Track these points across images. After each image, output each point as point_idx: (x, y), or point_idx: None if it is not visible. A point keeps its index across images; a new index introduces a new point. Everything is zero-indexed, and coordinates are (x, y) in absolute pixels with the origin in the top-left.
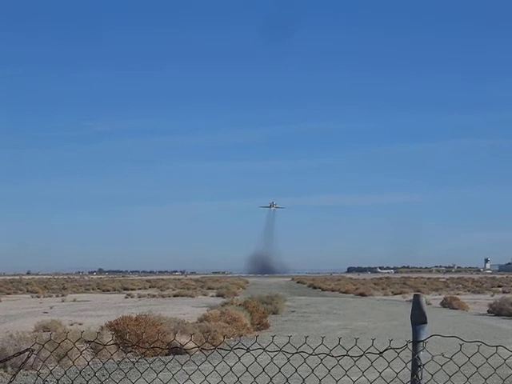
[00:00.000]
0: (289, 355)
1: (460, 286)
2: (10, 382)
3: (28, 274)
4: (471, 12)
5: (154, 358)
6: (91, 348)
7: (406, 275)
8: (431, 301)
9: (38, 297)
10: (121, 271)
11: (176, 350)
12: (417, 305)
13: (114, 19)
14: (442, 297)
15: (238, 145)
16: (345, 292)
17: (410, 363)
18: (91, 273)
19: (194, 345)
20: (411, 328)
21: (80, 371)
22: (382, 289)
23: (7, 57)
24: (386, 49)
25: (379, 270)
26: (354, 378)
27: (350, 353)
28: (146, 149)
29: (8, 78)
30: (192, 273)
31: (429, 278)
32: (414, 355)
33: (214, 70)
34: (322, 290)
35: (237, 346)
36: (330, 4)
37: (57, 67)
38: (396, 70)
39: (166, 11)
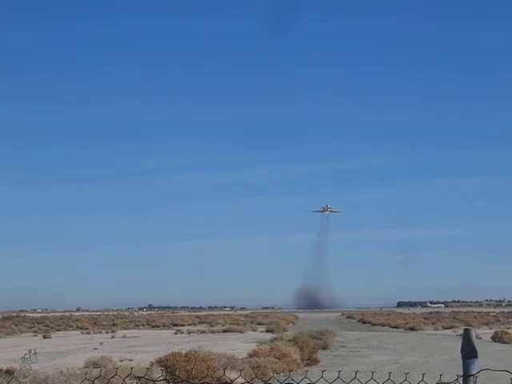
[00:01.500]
0: None
1: (511, 320)
2: None
3: (78, 310)
4: None
5: None
6: None
7: (456, 309)
8: (482, 335)
9: (88, 333)
10: (170, 307)
11: None
12: (467, 339)
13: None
14: (493, 331)
15: (286, 179)
16: (395, 327)
17: None
18: (141, 309)
19: (243, 380)
20: (461, 362)
21: None
22: (432, 323)
23: (42, 90)
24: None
25: (429, 305)
26: None
27: None
28: (196, 184)
29: (44, 112)
30: (241, 308)
31: (479, 312)
32: None
33: (258, 105)
34: (372, 324)
35: (286, 382)
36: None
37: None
38: (442, 109)
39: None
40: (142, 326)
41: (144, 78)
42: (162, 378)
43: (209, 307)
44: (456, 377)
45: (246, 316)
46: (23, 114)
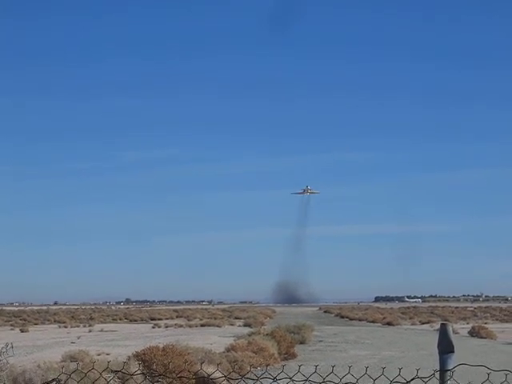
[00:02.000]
0: None
1: (488, 314)
2: None
3: (55, 304)
4: None
5: None
6: (118, 378)
7: (433, 304)
8: (459, 330)
9: (66, 327)
10: (148, 301)
11: (203, 380)
12: (444, 334)
13: (125, 48)
14: (470, 326)
15: (266, 174)
16: (372, 321)
17: None
18: (118, 303)
19: (220, 374)
20: (438, 357)
21: None
22: (410, 318)
23: (31, 86)
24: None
25: (407, 299)
26: None
27: (377, 382)
28: (174, 178)
29: (33, 107)
30: (219, 302)
31: (456, 307)
32: None
33: (248, 98)
34: (350, 319)
35: (263, 376)
36: None
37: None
38: (441, 104)
39: (197, 42)
40: (120, 319)
41: (137, 71)
42: (139, 372)
43: (186, 301)
44: (433, 371)
45: (223, 310)
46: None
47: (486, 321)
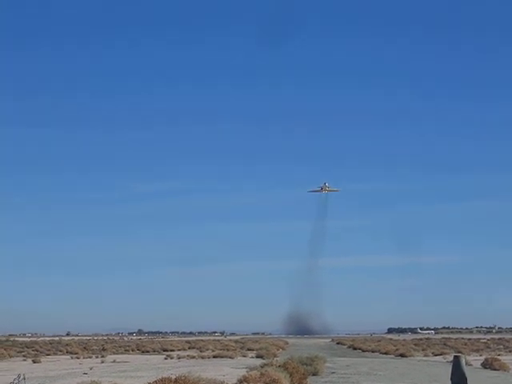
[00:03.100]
0: None
1: (501, 346)
2: None
3: (68, 334)
4: None
5: None
6: None
7: (446, 336)
8: (472, 362)
9: (78, 358)
10: (160, 332)
11: None
12: (457, 366)
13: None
14: (483, 358)
15: (274, 204)
16: (385, 353)
17: None
18: (131, 334)
19: None
20: None
21: None
22: (423, 350)
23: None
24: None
25: (420, 331)
26: None
27: None
28: (184, 209)
29: (43, 138)
30: (232, 334)
31: (469, 339)
32: None
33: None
34: (362, 350)
35: None
36: None
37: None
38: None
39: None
40: (132, 350)
41: (146, 106)
42: None
43: (199, 332)
44: None
45: (236, 341)
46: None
47: (499, 353)
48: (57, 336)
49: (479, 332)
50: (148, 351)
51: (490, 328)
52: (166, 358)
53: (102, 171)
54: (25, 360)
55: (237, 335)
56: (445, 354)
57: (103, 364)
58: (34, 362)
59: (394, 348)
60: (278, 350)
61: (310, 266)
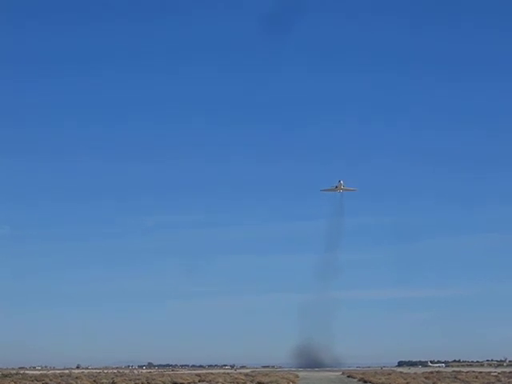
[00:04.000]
0: None
1: None
2: None
3: (78, 367)
4: None
5: None
6: None
7: (457, 369)
8: None
9: None
10: (170, 365)
11: None
12: None
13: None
14: None
15: (279, 238)
16: None
17: None
18: (141, 367)
19: None
20: None
21: None
22: (433, 383)
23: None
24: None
25: (430, 364)
26: None
27: None
28: (193, 242)
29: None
30: (242, 367)
31: (480, 372)
32: None
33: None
34: None
35: None
36: None
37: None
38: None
39: None
40: None
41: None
42: None
43: (209, 365)
44: None
45: (246, 375)
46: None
47: None
48: (67, 369)
49: (490, 365)
50: None
51: (501, 361)
52: None
53: (109, 205)
54: None
55: (247, 368)
56: None
57: None
58: None
59: (405, 381)
60: (288, 383)
61: (320, 298)
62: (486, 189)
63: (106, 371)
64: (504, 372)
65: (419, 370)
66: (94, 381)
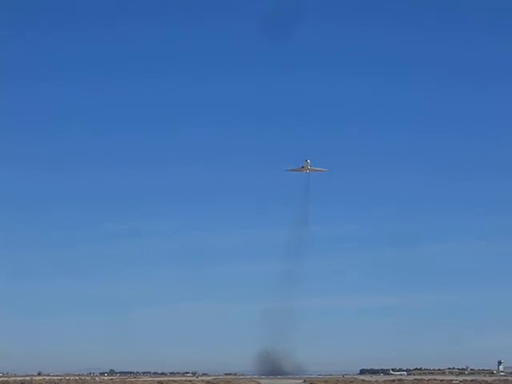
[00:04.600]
0: None
1: None
2: None
3: (39, 374)
4: None
5: None
6: None
7: (419, 377)
8: None
9: None
10: (132, 372)
11: None
12: None
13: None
14: None
15: (253, 245)
16: None
17: None
18: (102, 374)
19: None
20: None
21: None
22: None
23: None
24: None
25: (392, 372)
26: None
27: None
28: (156, 249)
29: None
30: (204, 374)
31: (442, 380)
32: None
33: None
34: None
35: None
36: None
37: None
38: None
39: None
40: None
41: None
42: None
43: (171, 373)
44: None
45: (207, 382)
46: None
47: None
48: (28, 376)
49: (452, 373)
50: None
51: (463, 369)
52: None
53: (77, 210)
54: None
55: (209, 375)
56: None
57: None
58: None
59: None
60: None
61: (282, 305)
62: (459, 196)
63: (67, 378)
64: (466, 380)
65: (381, 378)
66: None
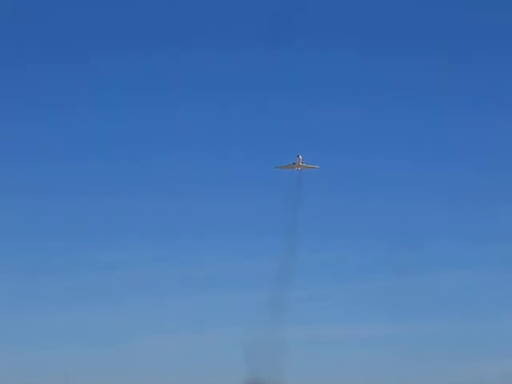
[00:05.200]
0: None
1: None
2: None
3: None
4: None
5: None
6: None
7: None
8: None
9: None
10: None
11: None
12: None
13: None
14: None
15: (237, 274)
16: None
17: None
18: None
19: None
20: None
21: None
22: None
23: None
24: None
25: None
26: None
27: None
28: (135, 279)
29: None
30: None
31: None
32: None
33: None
34: None
35: None
36: None
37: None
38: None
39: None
40: None
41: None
42: None
43: None
44: None
45: None
46: None
47: None
48: None
49: None
50: None
51: None
52: None
53: (63, 240)
54: None
55: None
56: None
57: None
58: None
59: None
60: None
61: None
62: (465, 224)
63: None
64: None
65: None
66: None
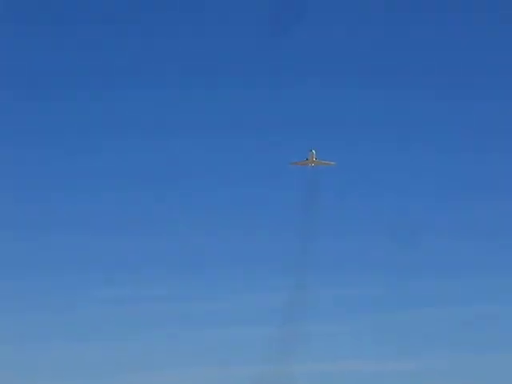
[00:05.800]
0: None
1: None
2: None
3: None
4: None
5: None
6: None
7: None
8: None
9: None
10: None
11: None
12: None
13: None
14: None
15: (245, 310)
16: None
17: None
18: None
19: None
20: None
21: None
22: None
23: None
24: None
25: None
26: None
27: None
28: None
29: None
30: None
31: None
32: None
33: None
34: None
35: None
36: None
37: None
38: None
39: None
40: None
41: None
42: None
43: None
44: None
45: None
46: None
47: None
48: None
49: None
50: None
51: None
52: None
53: (75, 274)
54: None
55: None
56: None
57: None
58: None
59: None
60: None
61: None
62: (473, 257)
63: None
64: None
65: None
66: None
